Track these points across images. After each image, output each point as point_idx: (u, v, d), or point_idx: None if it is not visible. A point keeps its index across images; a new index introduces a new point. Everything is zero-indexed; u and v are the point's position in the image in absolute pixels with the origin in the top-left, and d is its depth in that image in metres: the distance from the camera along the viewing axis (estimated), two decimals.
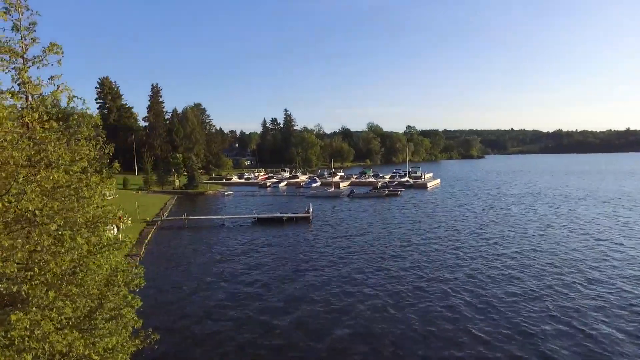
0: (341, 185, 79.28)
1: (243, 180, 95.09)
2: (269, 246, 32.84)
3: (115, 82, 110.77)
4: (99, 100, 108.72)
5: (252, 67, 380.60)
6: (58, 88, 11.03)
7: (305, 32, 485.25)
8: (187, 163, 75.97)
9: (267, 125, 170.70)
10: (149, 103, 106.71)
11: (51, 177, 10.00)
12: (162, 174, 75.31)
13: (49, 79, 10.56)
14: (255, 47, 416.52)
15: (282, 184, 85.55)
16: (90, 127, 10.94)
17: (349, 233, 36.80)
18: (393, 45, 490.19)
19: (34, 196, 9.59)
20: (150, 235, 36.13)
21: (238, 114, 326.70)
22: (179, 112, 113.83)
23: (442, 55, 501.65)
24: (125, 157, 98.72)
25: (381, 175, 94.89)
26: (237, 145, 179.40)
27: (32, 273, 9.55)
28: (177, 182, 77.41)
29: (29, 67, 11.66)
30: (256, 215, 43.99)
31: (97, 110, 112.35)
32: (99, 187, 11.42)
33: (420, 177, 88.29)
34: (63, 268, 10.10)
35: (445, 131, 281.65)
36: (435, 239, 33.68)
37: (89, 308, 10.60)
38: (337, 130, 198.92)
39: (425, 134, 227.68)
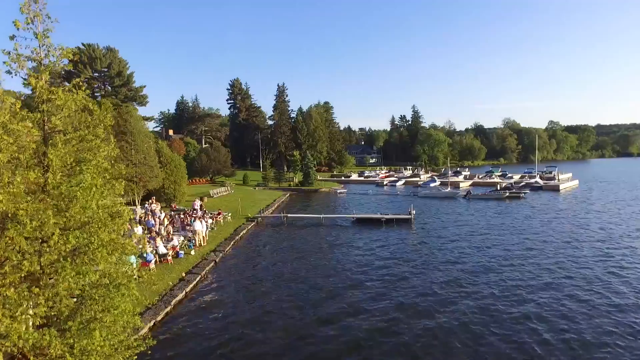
0: (461, 185, 74.31)
1: (362, 178, 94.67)
2: (358, 247, 31.37)
3: (246, 83, 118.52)
4: (229, 101, 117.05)
5: (381, 63, 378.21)
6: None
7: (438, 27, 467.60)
8: (303, 160, 77.84)
9: (396, 122, 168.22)
10: (274, 102, 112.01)
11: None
12: (280, 171, 78.31)
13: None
14: (387, 46, 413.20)
15: (399, 183, 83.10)
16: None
17: (448, 238, 33.69)
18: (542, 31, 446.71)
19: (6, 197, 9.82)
20: (244, 231, 37.11)
21: (368, 112, 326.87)
22: (303, 111, 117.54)
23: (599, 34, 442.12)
24: (252, 154, 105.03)
25: (509, 175, 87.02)
26: (362, 142, 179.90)
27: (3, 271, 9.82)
28: (295, 179, 79.67)
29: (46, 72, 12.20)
30: (355, 215, 42.85)
31: (229, 111, 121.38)
32: (96, 189, 11.49)
33: (553, 178, 78.78)
34: (37, 268, 10.26)
35: (598, 126, 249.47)
36: (533, 250, 29.18)
37: (69, 309, 10.63)
38: (470, 127, 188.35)
39: (572, 129, 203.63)
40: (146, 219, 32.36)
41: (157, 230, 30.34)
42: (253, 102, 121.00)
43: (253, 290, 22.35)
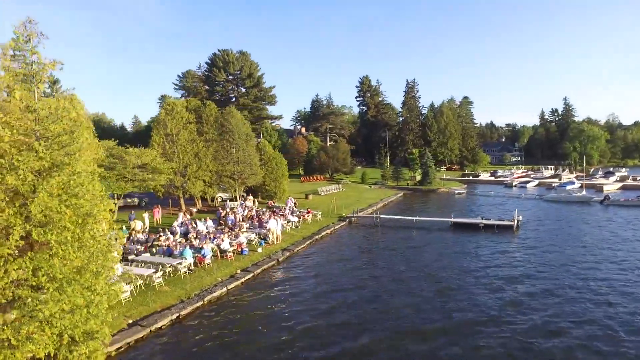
0: (605, 188, 64.17)
1: (492, 179, 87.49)
2: (447, 255, 28.90)
3: (377, 80, 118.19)
4: (358, 98, 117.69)
5: (534, 55, 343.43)
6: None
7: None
8: (422, 158, 74.78)
9: (545, 117, 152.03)
10: (403, 98, 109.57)
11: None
12: (398, 169, 76.32)
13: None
14: (542, 37, 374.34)
15: (531, 184, 74.88)
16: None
17: (555, 251, 29.18)
18: None
19: None
20: (328, 231, 36.78)
21: (517, 106, 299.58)
22: (435, 107, 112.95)
23: None
24: (380, 151, 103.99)
25: None
26: (503, 139, 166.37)
27: None
28: (417, 177, 76.90)
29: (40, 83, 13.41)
30: (451, 219, 39.69)
31: (358, 108, 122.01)
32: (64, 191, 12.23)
33: None
34: None
35: None
36: None
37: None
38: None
39: None
40: (226, 215, 34.09)
41: (231, 226, 31.70)
42: (384, 99, 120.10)
43: (297, 295, 21.78)
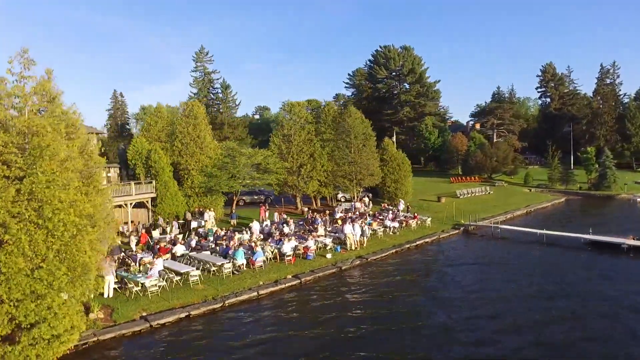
0: None
1: None
2: (574, 283, 23.77)
3: (568, 67, 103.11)
4: (539, 89, 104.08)
5: None
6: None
7: None
8: (599, 157, 62.62)
9: None
10: (595, 86, 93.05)
11: None
12: (568, 171, 65.31)
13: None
14: None
15: None
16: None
17: None
18: None
19: None
20: (428, 239, 33.70)
21: None
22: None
23: None
24: (564, 148, 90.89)
25: None
26: None
27: None
28: (591, 180, 64.62)
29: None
30: (586, 236, 32.30)
31: (539, 100, 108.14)
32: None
33: None
34: None
35: None
36: None
37: None
38: None
39: None
40: (313, 218, 34.15)
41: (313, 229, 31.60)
42: (575, 87, 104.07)
43: (305, 318, 20.70)
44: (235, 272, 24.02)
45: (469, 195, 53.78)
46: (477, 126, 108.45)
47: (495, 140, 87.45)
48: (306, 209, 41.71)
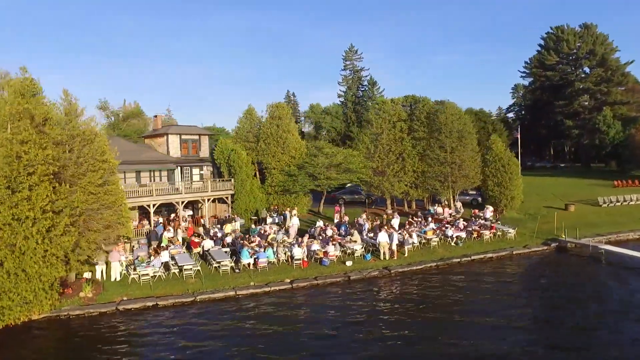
0: None
1: None
2: None
3: None
4: None
5: None
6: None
7: None
8: None
9: None
10: None
11: None
12: None
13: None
14: None
15: None
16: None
17: None
18: None
19: None
20: (496, 255, 29.28)
21: None
22: None
23: None
24: None
25: None
26: None
27: None
28: None
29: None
30: None
31: None
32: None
33: None
34: None
35: None
36: None
37: None
38: None
39: None
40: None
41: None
42: None
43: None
44: (236, 270, 25.50)
45: (617, 204, 43.43)
46: None
47: None
48: (389, 212, 40.25)
